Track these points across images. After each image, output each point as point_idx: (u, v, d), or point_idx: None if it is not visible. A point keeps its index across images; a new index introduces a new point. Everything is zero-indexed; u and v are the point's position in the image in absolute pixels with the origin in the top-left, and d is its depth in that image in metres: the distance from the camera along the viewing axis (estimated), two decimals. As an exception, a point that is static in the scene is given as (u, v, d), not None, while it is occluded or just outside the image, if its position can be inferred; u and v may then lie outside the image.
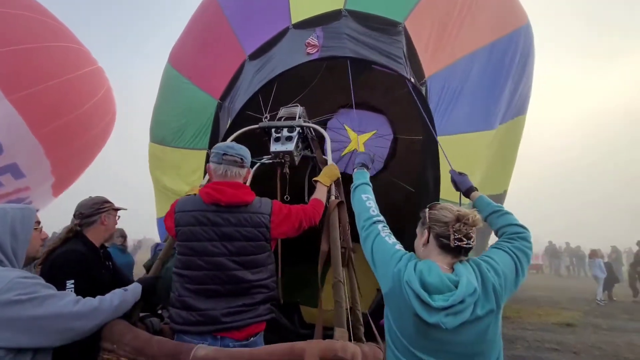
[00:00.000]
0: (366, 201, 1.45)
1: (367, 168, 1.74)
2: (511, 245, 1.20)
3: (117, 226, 2.01)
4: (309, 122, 2.45)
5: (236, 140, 2.37)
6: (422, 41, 3.52)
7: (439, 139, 2.80)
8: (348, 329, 1.49)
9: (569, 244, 18.71)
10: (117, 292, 1.45)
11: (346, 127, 4.45)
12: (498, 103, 3.77)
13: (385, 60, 3.05)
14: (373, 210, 1.40)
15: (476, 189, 1.57)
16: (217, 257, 1.47)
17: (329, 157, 2.27)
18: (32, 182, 5.31)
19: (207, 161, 3.89)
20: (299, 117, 2.38)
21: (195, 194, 1.63)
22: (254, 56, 3.86)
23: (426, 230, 1.18)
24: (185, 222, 1.52)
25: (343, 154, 4.33)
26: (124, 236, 4.15)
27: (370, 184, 1.60)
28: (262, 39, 3.83)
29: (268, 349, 1.23)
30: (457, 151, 3.50)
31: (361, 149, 4.25)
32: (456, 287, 1.03)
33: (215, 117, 3.82)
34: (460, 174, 1.68)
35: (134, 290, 1.51)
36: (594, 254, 10.63)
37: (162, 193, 5.05)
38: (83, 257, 1.65)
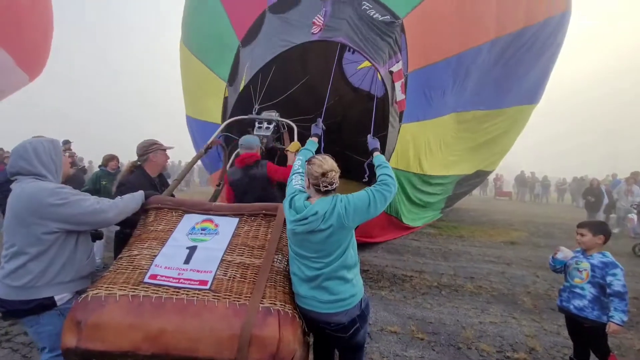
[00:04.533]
0: (297, 160, 2.09)
1: (318, 137, 2.42)
2: (374, 188, 1.75)
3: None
4: (282, 119, 3.95)
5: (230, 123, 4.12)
6: (415, 38, 4.38)
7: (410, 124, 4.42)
8: None
9: (534, 174, 20.28)
10: (126, 196, 1.88)
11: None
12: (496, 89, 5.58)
13: (369, 48, 4.07)
14: (297, 166, 2.03)
15: (379, 150, 2.18)
16: (249, 194, 3.01)
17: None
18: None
19: (225, 94, 5.04)
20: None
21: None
22: (275, 9, 4.55)
23: (307, 179, 1.76)
24: (234, 182, 3.15)
25: (359, 67, 6.93)
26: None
27: (312, 150, 2.21)
28: None
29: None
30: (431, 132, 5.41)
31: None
32: None
33: (236, 57, 4.84)
34: (373, 138, 2.29)
35: (140, 194, 1.96)
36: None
37: (189, 94, 6.51)
38: (140, 187, 2.21)
